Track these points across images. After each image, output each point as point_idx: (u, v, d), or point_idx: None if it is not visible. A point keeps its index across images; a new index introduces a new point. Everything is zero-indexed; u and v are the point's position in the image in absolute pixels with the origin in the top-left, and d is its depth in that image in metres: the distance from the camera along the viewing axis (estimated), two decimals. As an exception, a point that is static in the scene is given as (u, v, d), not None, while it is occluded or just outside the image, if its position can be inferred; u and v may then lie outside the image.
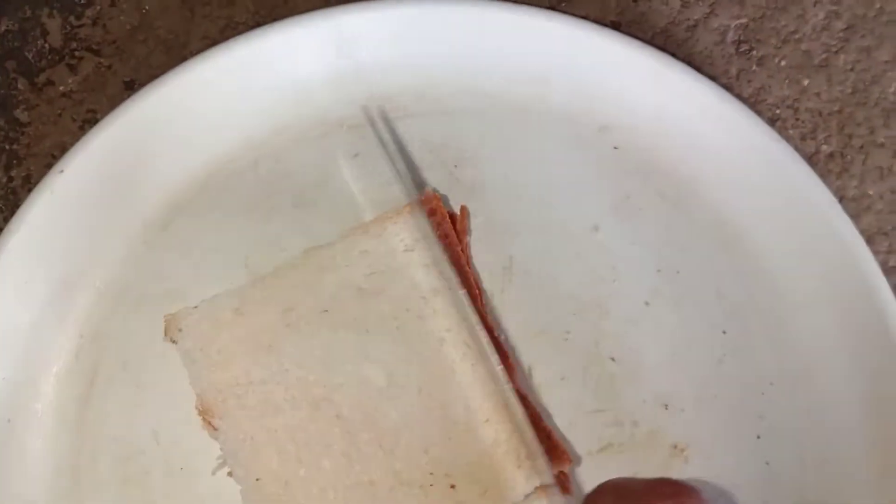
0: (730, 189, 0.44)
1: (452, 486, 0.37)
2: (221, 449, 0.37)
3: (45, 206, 0.39)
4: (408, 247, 0.41)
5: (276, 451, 0.37)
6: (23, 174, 0.44)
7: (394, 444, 0.37)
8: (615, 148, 0.45)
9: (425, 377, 0.39)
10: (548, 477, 0.38)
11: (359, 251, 0.41)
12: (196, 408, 0.38)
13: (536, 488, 0.38)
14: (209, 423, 0.37)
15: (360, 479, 0.37)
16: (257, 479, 0.36)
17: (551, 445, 0.39)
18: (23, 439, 0.39)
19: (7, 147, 0.44)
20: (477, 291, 0.41)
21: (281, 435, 0.37)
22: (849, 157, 0.47)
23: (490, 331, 0.40)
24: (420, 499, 0.37)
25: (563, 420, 0.41)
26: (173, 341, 0.39)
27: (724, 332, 0.43)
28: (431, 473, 0.37)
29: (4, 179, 0.44)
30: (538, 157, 0.44)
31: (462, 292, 0.40)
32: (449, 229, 0.42)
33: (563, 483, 0.39)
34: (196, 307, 0.39)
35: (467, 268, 0.42)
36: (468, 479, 0.37)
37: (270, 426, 0.37)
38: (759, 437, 0.41)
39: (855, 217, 0.45)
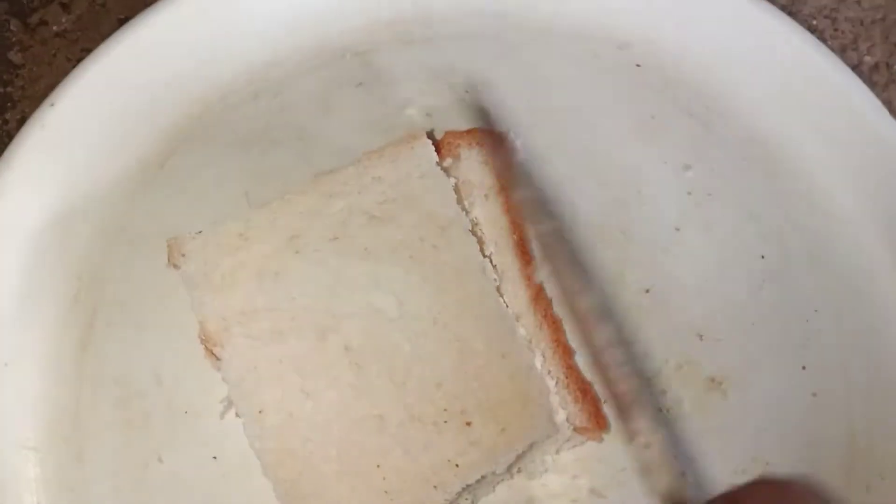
0: (764, 104, 0.40)
1: (468, 424, 0.34)
2: (223, 379, 0.35)
3: (36, 142, 0.38)
4: (424, 174, 0.38)
5: (279, 381, 0.35)
6: (17, 116, 0.42)
7: (405, 378, 0.35)
8: (637, 66, 0.42)
9: (440, 309, 0.36)
10: (574, 416, 0.36)
11: (371, 177, 0.38)
12: (198, 336, 0.36)
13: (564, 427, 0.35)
14: (211, 352, 0.35)
15: (369, 413, 0.34)
16: (260, 412, 0.34)
17: (586, 394, 0.37)
18: (21, 383, 0.37)
19: (1, 90, 0.43)
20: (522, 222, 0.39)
21: (285, 365, 0.35)
22: (895, 67, 0.43)
23: (529, 261, 0.38)
24: (433, 436, 0.34)
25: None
26: (175, 266, 0.36)
27: (762, 257, 0.39)
28: (445, 409, 0.35)
29: (-1, 122, 0.43)
30: (554, 80, 0.42)
31: (506, 220, 0.38)
32: (507, 159, 0.39)
33: (598, 420, 0.36)
34: (200, 232, 0.37)
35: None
36: (485, 416, 0.35)
37: (275, 356, 0.35)
38: (804, 368, 0.38)
39: (904, 130, 0.42)
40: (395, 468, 0.34)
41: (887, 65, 0.43)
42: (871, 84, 0.43)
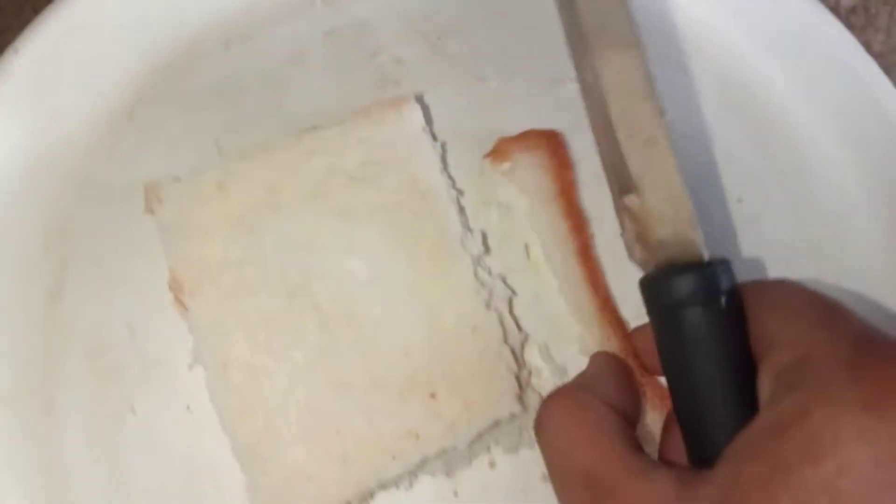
0: (740, 45, 0.40)
1: (432, 396, 0.34)
2: (190, 330, 0.35)
3: (1, 89, 0.37)
4: (410, 138, 0.37)
5: (246, 336, 0.34)
6: (-16, 69, 0.42)
7: (372, 343, 0.34)
8: (612, 10, 0.41)
9: (414, 277, 0.36)
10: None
11: (356, 138, 0.37)
12: (168, 284, 0.35)
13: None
14: (180, 301, 0.35)
15: (332, 377, 0.34)
16: (224, 366, 0.34)
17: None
18: (-11, 335, 0.37)
19: (-33, 43, 0.42)
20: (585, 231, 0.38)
21: (253, 320, 0.35)
22: (873, 9, 0.43)
23: (593, 268, 0.37)
24: (395, 405, 0.34)
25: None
26: (151, 212, 0.36)
27: (739, 201, 0.39)
28: (410, 379, 0.34)
29: (-35, 76, 0.42)
30: (525, 25, 0.41)
31: (566, 225, 0.38)
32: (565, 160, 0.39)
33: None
34: (179, 179, 0.36)
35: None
36: (450, 389, 0.34)
37: (243, 310, 0.35)
38: (781, 311, 0.38)
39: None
40: (354, 435, 0.33)
41: (865, 7, 0.43)
42: (849, 26, 0.42)
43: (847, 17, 0.42)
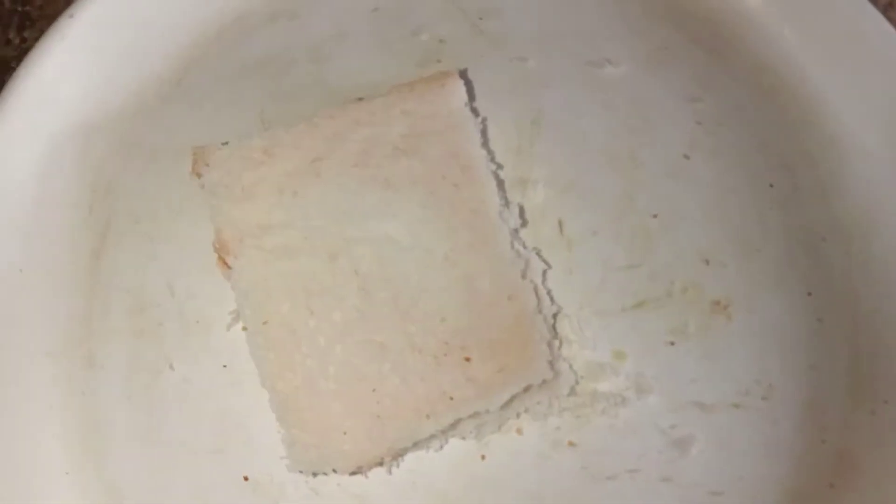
0: (774, 32, 0.41)
1: (467, 359, 0.35)
2: (233, 288, 0.36)
3: (55, 52, 0.38)
4: (452, 112, 0.38)
5: (287, 296, 0.35)
6: (35, 35, 0.43)
7: (410, 308, 0.35)
8: (650, -5, 0.42)
9: (452, 245, 0.36)
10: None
11: (400, 110, 0.38)
12: (213, 244, 0.36)
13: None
14: (224, 261, 0.36)
15: (371, 338, 0.35)
16: (264, 323, 0.35)
17: None
18: (35, 289, 0.38)
19: (19, 9, 0.43)
20: None
21: (294, 281, 0.35)
22: (907, 1, 0.43)
23: None
24: (431, 368, 0.34)
25: (594, 275, 0.38)
26: (198, 175, 0.37)
27: (770, 186, 0.40)
28: (446, 343, 0.35)
29: (17, 41, 0.43)
30: (566, 7, 0.42)
31: None
32: None
33: None
34: (226, 143, 0.37)
35: None
36: (484, 354, 0.35)
37: (285, 271, 0.35)
38: (809, 294, 0.38)
39: (918, 65, 0.42)
40: (390, 394, 0.34)
41: (900, 0, 0.43)
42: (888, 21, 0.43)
43: (885, 12, 0.43)
